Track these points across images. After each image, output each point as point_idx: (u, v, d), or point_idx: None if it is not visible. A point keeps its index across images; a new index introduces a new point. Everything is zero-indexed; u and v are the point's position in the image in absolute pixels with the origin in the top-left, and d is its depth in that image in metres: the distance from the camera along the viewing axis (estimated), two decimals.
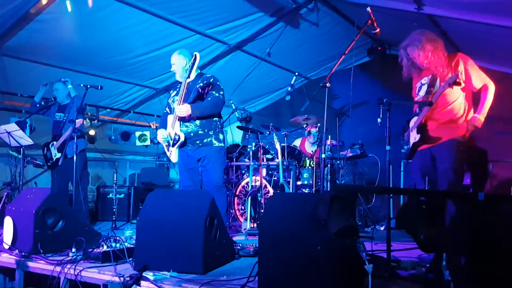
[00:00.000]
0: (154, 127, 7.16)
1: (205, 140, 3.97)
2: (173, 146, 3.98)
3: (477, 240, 2.31)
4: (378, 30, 3.45)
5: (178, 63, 4.03)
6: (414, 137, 3.37)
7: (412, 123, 3.46)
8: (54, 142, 5.05)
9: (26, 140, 4.90)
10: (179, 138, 3.91)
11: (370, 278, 2.15)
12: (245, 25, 5.61)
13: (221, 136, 4.08)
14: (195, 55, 3.87)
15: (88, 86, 4.48)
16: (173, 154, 4.02)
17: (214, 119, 4.04)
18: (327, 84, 3.35)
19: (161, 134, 4.04)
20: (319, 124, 6.13)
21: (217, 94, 3.96)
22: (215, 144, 4.00)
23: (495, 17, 4.22)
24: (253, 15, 5.40)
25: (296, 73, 4.88)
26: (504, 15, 4.15)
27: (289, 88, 4.69)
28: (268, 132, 5.85)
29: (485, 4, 4.04)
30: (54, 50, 5.11)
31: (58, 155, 4.96)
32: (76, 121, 4.71)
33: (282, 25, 5.75)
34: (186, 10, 4.94)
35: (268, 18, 5.56)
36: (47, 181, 5.99)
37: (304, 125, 6.18)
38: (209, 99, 3.94)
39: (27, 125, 5.22)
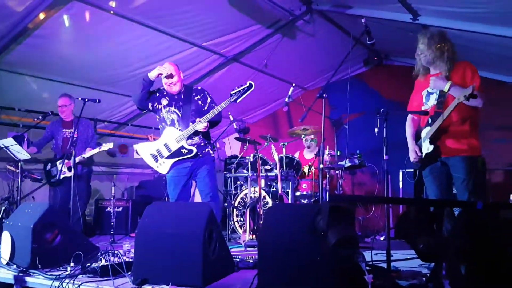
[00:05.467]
0: (152, 139, 7.16)
1: (204, 151, 4.07)
2: (169, 158, 3.96)
3: (477, 249, 2.30)
4: (373, 41, 3.48)
5: (180, 76, 4.02)
6: (427, 147, 3.31)
7: (424, 133, 3.37)
8: (66, 160, 4.98)
9: (23, 155, 4.88)
10: (190, 152, 3.92)
11: None
12: (242, 37, 5.65)
13: (212, 147, 4.26)
14: (252, 84, 3.89)
15: (86, 100, 4.49)
16: (165, 166, 4.00)
17: (207, 131, 4.13)
18: (324, 95, 3.37)
19: (147, 149, 4.02)
20: (312, 136, 6.16)
21: (217, 106, 3.99)
22: (211, 153, 4.14)
23: (491, 26, 4.27)
24: (249, 27, 5.45)
25: (293, 84, 4.90)
26: (500, 24, 4.19)
27: (287, 99, 4.71)
28: (266, 143, 5.86)
29: (481, 14, 4.09)
30: (52, 65, 5.12)
31: (69, 174, 4.85)
32: (87, 150, 5.01)
33: (278, 37, 5.80)
34: (184, 23, 4.98)
35: (264, 30, 5.61)
36: (44, 195, 5.96)
37: (302, 136, 6.19)
38: (210, 111, 3.94)
39: (25, 139, 5.21)
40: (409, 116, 3.64)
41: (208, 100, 4.07)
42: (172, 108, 4.03)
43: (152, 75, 3.88)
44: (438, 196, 3.33)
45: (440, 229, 3.20)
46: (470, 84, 3.06)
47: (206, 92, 4.10)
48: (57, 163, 5.08)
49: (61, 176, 5.01)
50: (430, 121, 3.30)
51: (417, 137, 3.50)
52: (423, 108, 3.42)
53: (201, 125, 3.82)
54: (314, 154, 6.21)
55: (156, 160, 4.02)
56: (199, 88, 4.16)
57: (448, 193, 3.32)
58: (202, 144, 4.05)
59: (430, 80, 3.31)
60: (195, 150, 3.93)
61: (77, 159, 4.92)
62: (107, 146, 5.02)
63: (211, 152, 4.16)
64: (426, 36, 3.31)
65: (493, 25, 4.24)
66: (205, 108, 4.01)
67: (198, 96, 4.04)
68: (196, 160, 4.01)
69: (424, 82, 3.46)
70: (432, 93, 3.36)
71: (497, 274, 2.21)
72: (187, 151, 3.93)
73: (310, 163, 6.08)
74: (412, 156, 3.48)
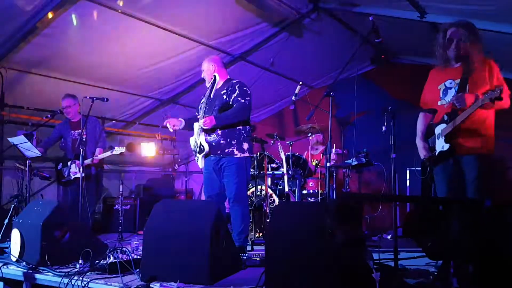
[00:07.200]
0: (159, 138, 7.21)
1: (226, 150, 3.86)
2: (199, 153, 3.96)
3: (485, 247, 2.30)
4: (381, 39, 3.46)
5: (206, 69, 4.06)
6: (441, 145, 3.22)
7: (438, 130, 3.26)
8: (77, 161, 5.02)
9: (33, 152, 4.92)
10: (203, 149, 3.88)
11: (378, 287, 2.14)
12: (248, 35, 5.66)
13: (245, 145, 3.91)
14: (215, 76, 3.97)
15: (94, 99, 4.52)
16: (199, 161, 4.02)
17: (238, 127, 3.91)
18: (331, 93, 3.36)
19: (192, 141, 4.06)
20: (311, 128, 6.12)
21: (242, 100, 3.83)
22: (236, 154, 3.86)
23: (499, 24, 4.24)
24: (256, 26, 5.45)
25: (301, 83, 4.88)
26: (508, 22, 4.16)
27: (293, 98, 4.70)
28: (272, 142, 5.86)
29: (489, 11, 4.06)
30: (60, 63, 5.17)
31: (78, 175, 4.92)
32: (97, 151, 5.13)
33: (285, 35, 5.79)
34: (190, 22, 5.00)
35: (271, 28, 5.61)
36: (53, 193, 6.01)
37: (309, 134, 6.18)
38: (234, 105, 3.85)
39: (33, 137, 5.25)
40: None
41: (235, 94, 3.85)
42: (203, 104, 3.99)
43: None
44: (447, 194, 3.26)
45: (447, 228, 3.19)
46: (494, 83, 3.02)
47: (237, 86, 3.88)
48: (69, 163, 5.13)
49: (73, 177, 5.08)
50: (446, 118, 3.18)
51: (429, 133, 3.40)
52: (439, 103, 3.30)
53: (203, 121, 3.77)
54: (321, 154, 6.20)
55: (195, 154, 4.04)
56: (234, 81, 3.96)
57: (458, 191, 3.24)
58: (222, 142, 3.85)
59: (455, 98, 3.13)
60: (206, 148, 3.85)
61: (89, 161, 5.01)
62: (119, 149, 5.06)
63: (238, 152, 3.86)
64: (471, 27, 3.17)
65: (502, 23, 4.22)
66: (230, 103, 3.84)
67: (224, 90, 3.91)
68: (218, 159, 3.90)
69: (442, 73, 3.32)
70: (450, 88, 3.25)
71: (505, 274, 2.20)
72: (202, 147, 3.89)
73: (317, 161, 6.08)
74: (422, 154, 3.41)
